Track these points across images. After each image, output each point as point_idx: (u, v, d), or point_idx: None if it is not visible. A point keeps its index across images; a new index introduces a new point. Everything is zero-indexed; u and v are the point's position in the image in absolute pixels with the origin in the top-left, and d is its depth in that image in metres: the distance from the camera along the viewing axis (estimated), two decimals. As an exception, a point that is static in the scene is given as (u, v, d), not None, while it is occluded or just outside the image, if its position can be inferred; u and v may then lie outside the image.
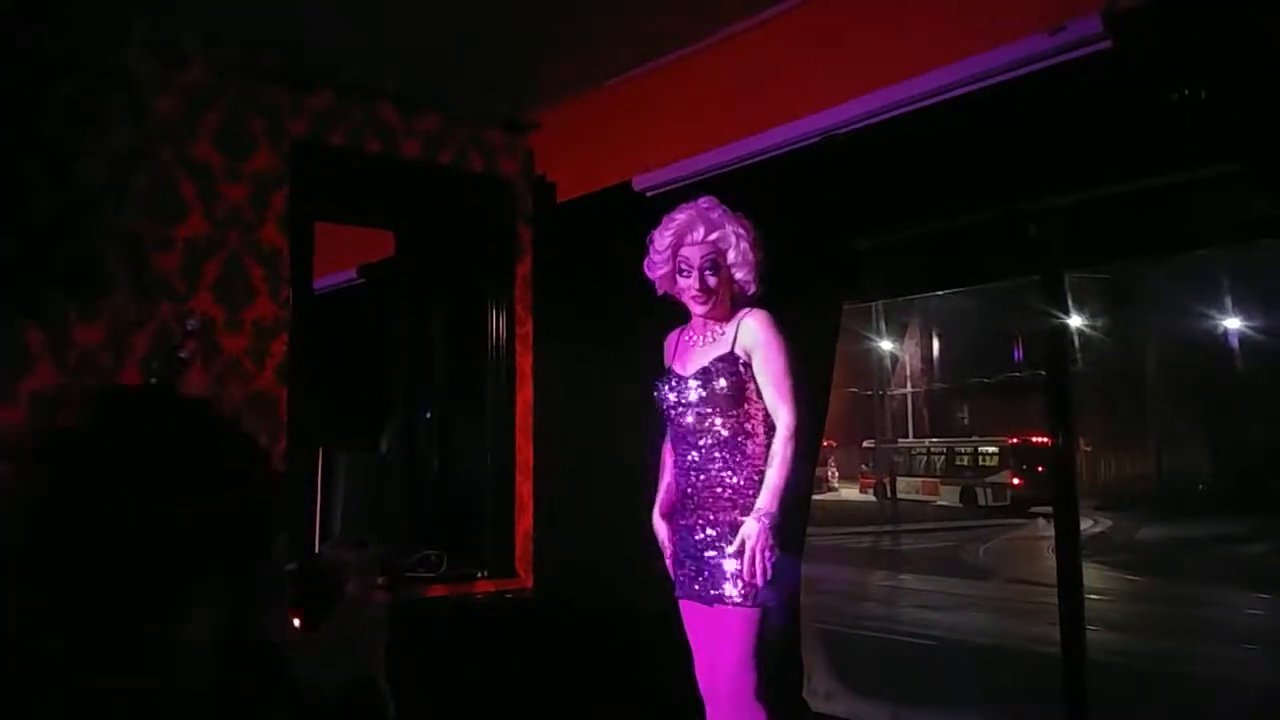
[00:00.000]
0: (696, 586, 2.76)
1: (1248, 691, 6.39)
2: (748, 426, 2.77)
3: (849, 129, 3.45)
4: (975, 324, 21.30)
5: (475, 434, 4.86)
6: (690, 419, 2.79)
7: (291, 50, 4.11)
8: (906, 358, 25.31)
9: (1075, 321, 16.11)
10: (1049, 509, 7.59)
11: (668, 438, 2.94)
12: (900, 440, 24.27)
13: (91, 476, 0.90)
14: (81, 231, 3.68)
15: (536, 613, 4.56)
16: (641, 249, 2.93)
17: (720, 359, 2.77)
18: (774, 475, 2.66)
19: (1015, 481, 19.53)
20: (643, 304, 3.07)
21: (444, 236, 4.90)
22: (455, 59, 4.24)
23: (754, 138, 3.74)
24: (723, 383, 2.74)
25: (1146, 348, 19.86)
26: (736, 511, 2.71)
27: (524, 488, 4.80)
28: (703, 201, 2.86)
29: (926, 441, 23.42)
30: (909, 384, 25.44)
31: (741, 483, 2.74)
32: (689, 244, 2.82)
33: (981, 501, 20.06)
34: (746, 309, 2.83)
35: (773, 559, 2.62)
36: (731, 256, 2.81)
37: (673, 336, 3.01)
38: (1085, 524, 12.48)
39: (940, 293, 14.03)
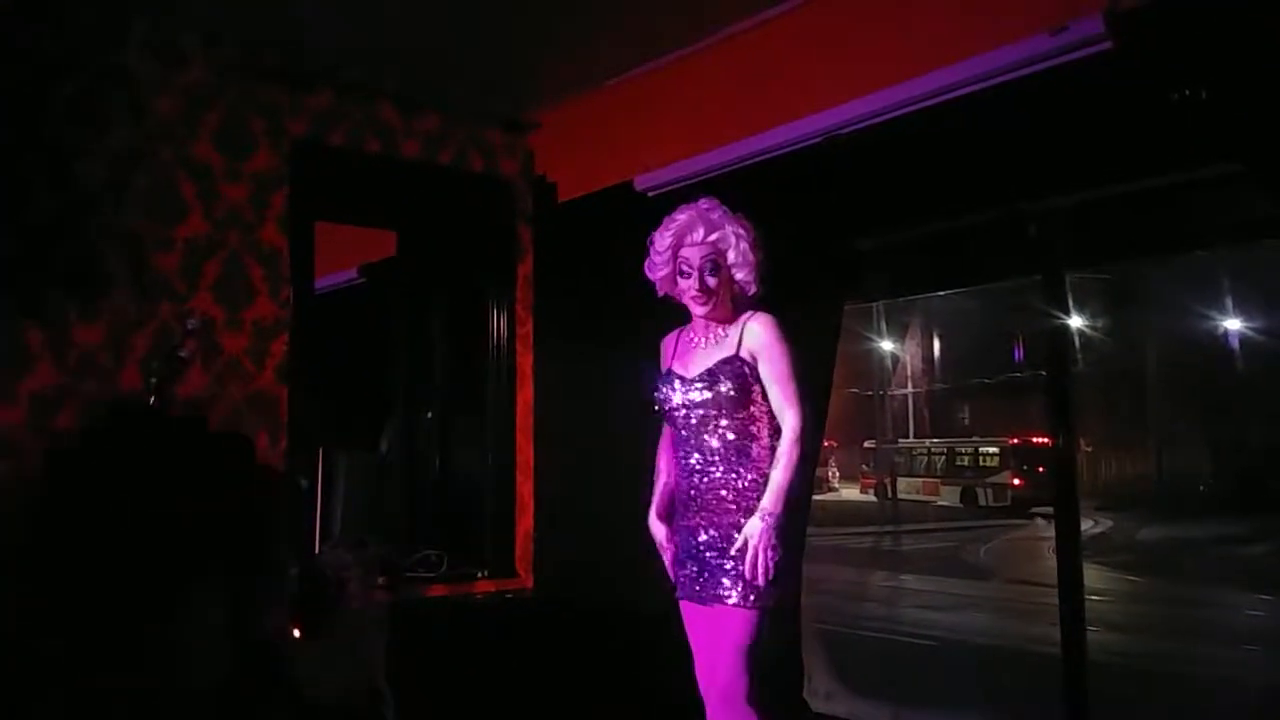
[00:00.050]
0: (697, 587, 2.76)
1: (1248, 692, 6.39)
2: (752, 429, 2.77)
3: (850, 129, 3.45)
4: (976, 324, 21.27)
5: (475, 434, 4.86)
6: (694, 421, 2.79)
7: (291, 50, 4.11)
8: (907, 358, 25.28)
9: (1076, 322, 16.09)
10: (1050, 509, 7.60)
11: (664, 439, 2.95)
12: (901, 440, 24.26)
13: (92, 478, 0.90)
14: (81, 231, 3.68)
15: (536, 613, 4.56)
16: (642, 249, 2.93)
17: (725, 361, 2.76)
18: (779, 476, 2.66)
19: (1016, 482, 19.52)
20: (643, 304, 3.06)
21: (444, 236, 4.90)
22: (455, 59, 4.24)
23: (755, 138, 3.74)
24: (728, 385, 2.74)
25: (1147, 348, 19.84)
26: (740, 514, 2.71)
27: (524, 488, 4.80)
28: (703, 203, 2.86)
29: (927, 442, 23.40)
30: (910, 384, 25.41)
31: (745, 485, 2.74)
32: (689, 245, 2.82)
33: (982, 502, 20.05)
34: (751, 311, 2.83)
35: (775, 558, 2.61)
36: (731, 257, 2.81)
37: (670, 338, 3.01)
38: (1086, 524, 12.52)
39: (941, 293, 14.03)
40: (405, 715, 3.15)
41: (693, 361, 2.85)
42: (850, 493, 23.76)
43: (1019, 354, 20.38)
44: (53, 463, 3.06)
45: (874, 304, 14.36)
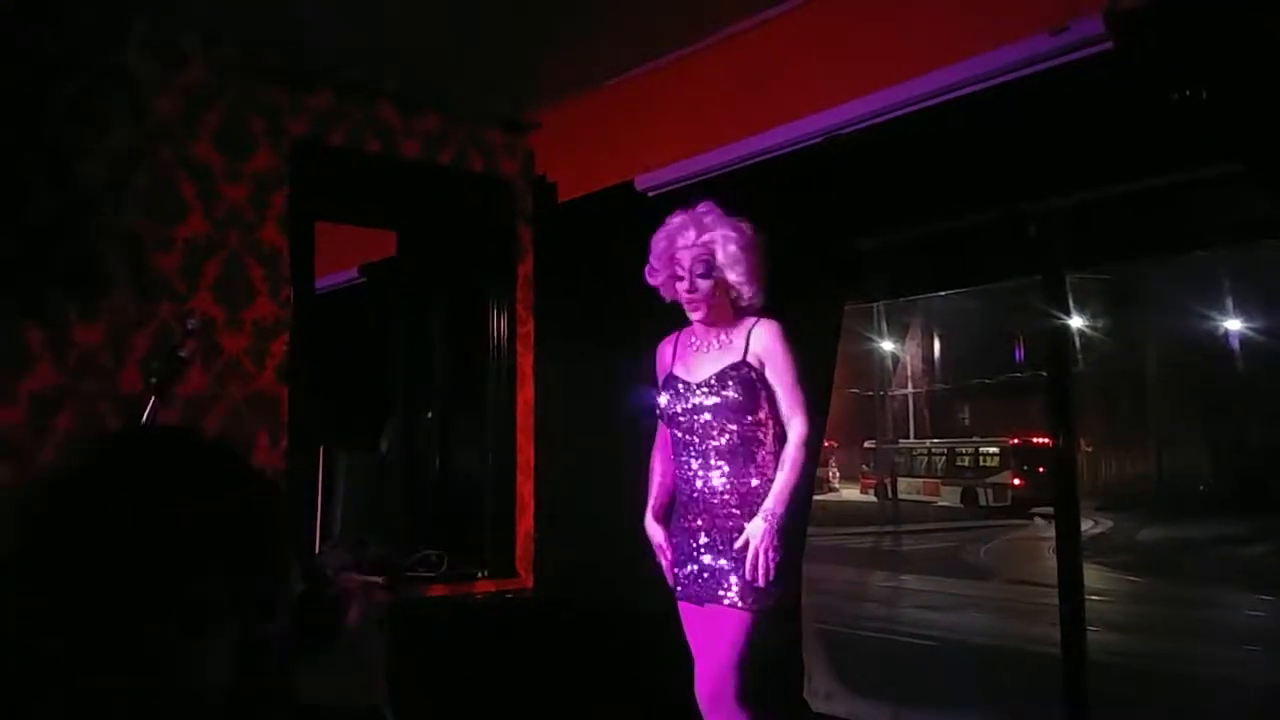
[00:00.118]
0: (697, 589, 2.77)
1: (1248, 692, 6.40)
2: (758, 434, 2.77)
3: (851, 129, 3.44)
4: (977, 324, 21.29)
5: (475, 434, 4.86)
6: (698, 425, 2.79)
7: (291, 50, 4.11)
8: (908, 358, 25.30)
9: (1076, 322, 16.11)
10: (1050, 509, 7.61)
11: (660, 441, 2.95)
12: (901, 441, 24.29)
13: (92, 478, 0.90)
14: (81, 231, 3.67)
15: (536, 613, 4.56)
16: (643, 249, 2.94)
17: (733, 367, 2.77)
18: (784, 478, 2.67)
19: (1016, 482, 19.54)
20: (644, 305, 3.07)
21: (445, 236, 4.90)
22: (455, 59, 4.24)
23: (755, 138, 3.73)
24: (736, 390, 2.74)
25: (1147, 348, 19.86)
26: (743, 517, 2.72)
27: (524, 488, 4.80)
28: (700, 207, 2.88)
29: (927, 442, 23.43)
30: (910, 384, 25.44)
31: (749, 489, 2.75)
32: (681, 247, 2.84)
33: (982, 502, 20.08)
34: (756, 318, 2.84)
35: (776, 559, 2.62)
36: (720, 257, 2.81)
37: (668, 342, 3.01)
38: (1086, 525, 12.50)
39: (942, 293, 14.04)
40: (405, 715, 3.15)
41: (697, 366, 2.85)
42: (850, 493, 23.79)
43: (1019, 354, 20.40)
44: (45, 493, 3.06)
45: (874, 304, 14.37)
